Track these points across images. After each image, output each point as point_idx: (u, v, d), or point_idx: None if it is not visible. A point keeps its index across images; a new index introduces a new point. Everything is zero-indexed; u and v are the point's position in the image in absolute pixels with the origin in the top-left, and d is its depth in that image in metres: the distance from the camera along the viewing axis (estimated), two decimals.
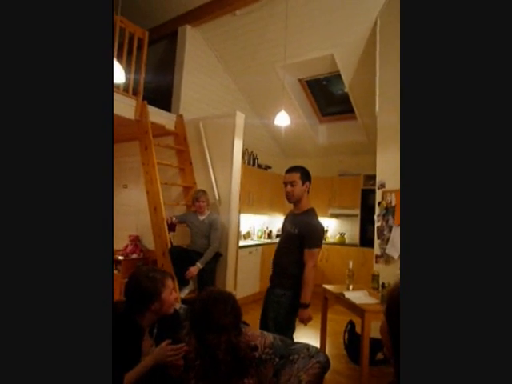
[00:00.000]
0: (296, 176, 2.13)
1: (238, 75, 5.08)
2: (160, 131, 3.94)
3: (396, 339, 0.71)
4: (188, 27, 4.43)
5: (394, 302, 0.73)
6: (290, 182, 2.13)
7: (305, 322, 2.02)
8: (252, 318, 3.75)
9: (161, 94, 4.49)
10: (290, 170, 2.17)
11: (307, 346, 1.32)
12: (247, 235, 5.44)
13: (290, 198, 2.17)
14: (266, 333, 1.44)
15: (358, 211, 5.43)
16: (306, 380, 1.16)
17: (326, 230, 5.98)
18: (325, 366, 1.21)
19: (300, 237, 2.07)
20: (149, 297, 1.37)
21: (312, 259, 2.05)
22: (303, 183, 2.13)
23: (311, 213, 2.18)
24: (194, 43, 4.54)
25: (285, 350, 1.32)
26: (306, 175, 2.16)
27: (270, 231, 5.97)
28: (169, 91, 4.49)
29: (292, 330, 2.11)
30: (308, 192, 2.20)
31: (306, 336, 3.49)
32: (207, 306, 1.19)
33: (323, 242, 2.28)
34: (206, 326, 1.16)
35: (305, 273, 2.03)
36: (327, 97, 5.38)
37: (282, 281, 2.13)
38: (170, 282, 1.52)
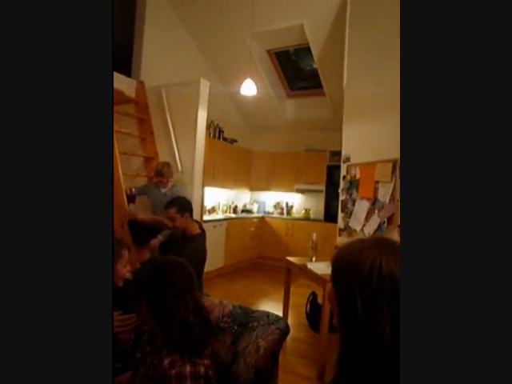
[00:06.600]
0: (172, 212, 2.26)
1: (202, 41, 4.82)
2: (119, 98, 3.67)
3: (342, 303, 0.69)
4: None
5: (338, 266, 0.70)
6: (170, 216, 2.27)
7: None
8: (216, 293, 3.75)
9: (120, 57, 4.17)
10: (167, 206, 2.30)
11: (267, 314, 1.29)
12: (212, 210, 5.36)
13: (176, 230, 2.36)
14: (225, 302, 1.40)
15: (323, 187, 5.50)
16: (265, 346, 1.13)
17: (291, 206, 6.05)
18: (284, 331, 1.19)
19: None
20: None
21: None
22: (182, 215, 2.26)
23: (197, 238, 2.32)
24: (156, 3, 4.22)
25: (244, 318, 1.28)
26: (183, 207, 2.29)
27: (236, 206, 5.92)
28: (129, 55, 4.18)
29: None
30: (191, 217, 2.37)
31: (269, 307, 3.54)
32: (163, 271, 1.10)
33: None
34: (166, 292, 1.06)
35: None
36: (296, 72, 5.29)
37: None
38: (125, 254, 1.43)
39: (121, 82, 3.73)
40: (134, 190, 3.30)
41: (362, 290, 0.64)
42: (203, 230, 2.46)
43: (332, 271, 0.71)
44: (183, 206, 2.30)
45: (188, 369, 0.94)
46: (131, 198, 3.26)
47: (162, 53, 4.32)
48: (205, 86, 3.59)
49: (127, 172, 3.53)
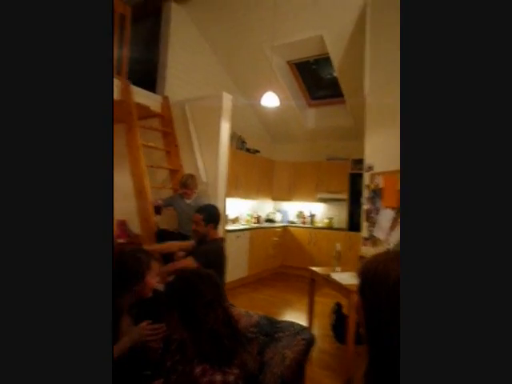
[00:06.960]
0: (199, 218, 2.30)
1: (225, 55, 4.96)
2: (145, 113, 3.82)
3: (370, 315, 0.69)
4: (173, 4, 4.27)
5: (365, 278, 0.71)
6: (195, 221, 2.31)
7: None
8: (240, 302, 3.77)
9: (146, 74, 4.35)
10: (197, 211, 2.36)
11: (293, 324, 1.32)
12: (236, 220, 5.42)
13: (194, 233, 2.37)
14: (251, 312, 1.43)
15: (345, 196, 5.45)
16: (291, 357, 1.15)
17: (314, 215, 6.01)
18: (310, 342, 1.21)
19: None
20: (132, 277, 1.34)
21: None
22: (206, 225, 2.29)
23: (214, 241, 2.33)
24: (180, 21, 4.39)
25: (270, 328, 1.31)
26: (210, 217, 2.32)
27: (259, 216, 5.96)
28: (154, 72, 4.35)
29: None
30: (215, 228, 2.37)
31: (293, 317, 3.53)
32: (193, 283, 1.15)
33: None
34: (197, 302, 1.10)
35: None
36: (316, 81, 5.32)
37: None
38: (155, 265, 1.48)
39: (147, 98, 3.88)
40: (160, 201, 3.40)
41: (389, 301, 0.65)
42: (222, 238, 2.51)
43: (359, 283, 0.73)
44: (210, 216, 2.34)
45: (219, 377, 0.97)
46: (157, 210, 3.36)
47: (185, 68, 4.47)
48: (227, 100, 3.67)
49: (153, 184, 3.65)
